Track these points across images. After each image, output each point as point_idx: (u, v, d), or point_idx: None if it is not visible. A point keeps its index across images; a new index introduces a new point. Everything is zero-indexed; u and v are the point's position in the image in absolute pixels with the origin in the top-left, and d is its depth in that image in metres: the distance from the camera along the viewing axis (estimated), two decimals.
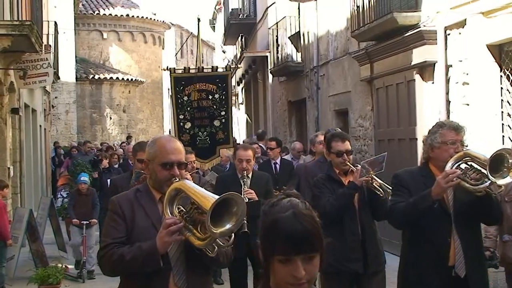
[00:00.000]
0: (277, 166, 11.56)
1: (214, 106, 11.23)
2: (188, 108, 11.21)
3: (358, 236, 6.43)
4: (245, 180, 7.74)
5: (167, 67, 11.63)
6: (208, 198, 3.66)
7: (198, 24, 12.51)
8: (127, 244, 4.00)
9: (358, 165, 6.48)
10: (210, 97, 11.22)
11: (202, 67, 11.72)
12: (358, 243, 6.42)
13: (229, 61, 37.52)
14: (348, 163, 6.60)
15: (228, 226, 3.60)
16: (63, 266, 10.94)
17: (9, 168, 14.17)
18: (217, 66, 11.90)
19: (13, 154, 15.14)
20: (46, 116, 25.40)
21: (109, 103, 34.60)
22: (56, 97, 30.11)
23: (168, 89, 50.17)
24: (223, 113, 11.27)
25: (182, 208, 3.92)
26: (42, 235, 13.53)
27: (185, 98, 11.22)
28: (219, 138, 11.30)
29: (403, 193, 5.28)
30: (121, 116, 35.21)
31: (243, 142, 18.25)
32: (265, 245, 2.50)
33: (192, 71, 11.73)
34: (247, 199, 7.15)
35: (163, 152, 4.14)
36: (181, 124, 11.25)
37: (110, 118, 34.74)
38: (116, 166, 16.20)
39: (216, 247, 3.79)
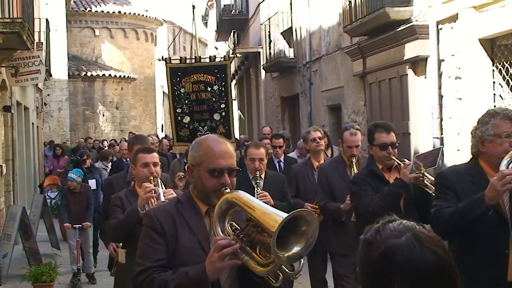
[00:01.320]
0: (281, 164, 10.43)
1: (214, 99, 10.47)
2: (186, 101, 10.47)
3: None
4: (258, 181, 6.95)
5: (162, 57, 10.85)
6: (270, 215, 3.06)
7: (193, 12, 12.07)
8: (169, 267, 3.40)
9: (406, 160, 5.94)
10: (209, 89, 10.46)
11: (200, 56, 10.92)
12: None
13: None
14: (394, 157, 5.94)
15: (296, 249, 3.03)
16: (57, 264, 10.93)
17: (1, 166, 14.14)
18: (215, 56, 11.10)
19: (5, 152, 15.11)
20: (38, 113, 25.36)
21: (102, 100, 34.55)
22: (48, 95, 30.04)
23: (161, 86, 49.98)
24: (222, 105, 10.52)
25: (236, 225, 3.28)
26: (35, 232, 13.52)
27: (182, 90, 10.44)
28: (220, 133, 10.15)
29: (448, 196, 4.55)
30: (114, 113, 35.17)
31: (240, 138, 17.49)
32: (374, 285, 1.93)
33: (189, 61, 10.95)
34: None
35: (210, 156, 3.50)
36: (179, 118, 10.49)
37: (103, 115, 34.70)
38: (109, 165, 16.04)
39: (281, 275, 3.16)
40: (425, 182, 5.61)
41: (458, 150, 9.86)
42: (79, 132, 32.41)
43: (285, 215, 2.96)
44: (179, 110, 10.51)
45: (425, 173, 5.65)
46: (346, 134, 7.40)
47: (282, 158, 10.56)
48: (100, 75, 34.07)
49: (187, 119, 10.49)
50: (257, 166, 7.05)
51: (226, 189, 3.39)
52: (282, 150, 10.69)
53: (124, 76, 35.44)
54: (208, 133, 10.00)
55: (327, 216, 7.46)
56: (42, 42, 18.90)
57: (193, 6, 12.01)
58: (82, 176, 12.25)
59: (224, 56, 11.45)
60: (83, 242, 11.66)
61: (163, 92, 49.01)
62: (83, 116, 34.06)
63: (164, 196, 5.49)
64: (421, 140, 11.58)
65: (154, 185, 5.68)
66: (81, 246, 11.63)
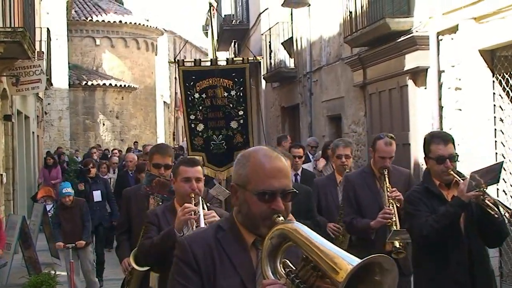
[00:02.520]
0: (298, 178, 9.22)
1: (231, 105, 9.64)
2: (200, 107, 9.63)
3: (465, 267, 5.06)
4: None
5: (175, 59, 10.01)
6: (336, 258, 2.36)
7: (210, 9, 11.26)
8: None
9: (465, 176, 5.24)
10: (226, 94, 9.62)
11: (216, 58, 10.10)
12: (466, 276, 5.06)
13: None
14: (452, 172, 5.23)
15: None
16: (56, 273, 10.92)
17: (1, 175, 14.14)
18: (232, 58, 10.57)
19: (5, 161, 15.12)
20: (39, 122, 25.38)
21: (102, 110, 34.58)
22: (49, 104, 30.11)
23: (162, 95, 49.96)
24: (241, 112, 9.64)
25: (290, 265, 2.63)
26: (35, 242, 13.51)
27: (196, 95, 9.58)
28: (237, 142, 9.63)
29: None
30: (114, 123, 35.19)
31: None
32: None
33: (204, 63, 10.08)
34: None
35: (260, 174, 2.81)
36: (192, 125, 9.65)
37: (103, 124, 34.72)
38: (113, 175, 15.85)
39: None
40: (487, 201, 4.88)
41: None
42: (79, 142, 32.43)
43: (355, 260, 2.32)
44: (192, 117, 9.72)
45: (486, 191, 4.94)
46: (379, 143, 6.62)
47: (299, 172, 9.37)
48: (101, 84, 34.11)
49: (201, 127, 9.72)
50: None
51: (279, 216, 2.73)
52: (301, 161, 9.64)
53: (125, 85, 35.49)
54: (223, 143, 9.58)
55: (353, 233, 6.89)
56: (43, 52, 18.96)
57: (210, 4, 11.33)
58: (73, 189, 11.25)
59: (243, 58, 10.54)
60: (81, 263, 10.85)
61: (164, 101, 49.05)
62: (84, 125, 34.07)
63: (204, 219, 4.77)
64: (422, 151, 11.53)
65: (195, 204, 4.94)
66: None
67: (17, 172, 16.68)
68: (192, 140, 9.65)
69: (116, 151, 24.11)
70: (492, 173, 5.10)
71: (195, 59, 10.34)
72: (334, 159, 7.85)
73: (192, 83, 9.64)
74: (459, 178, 5.17)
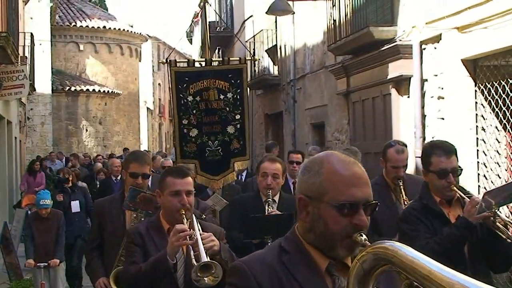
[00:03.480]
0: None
1: (227, 108, 8.87)
2: (194, 111, 8.81)
3: None
4: (269, 201, 5.84)
5: (166, 59, 9.16)
6: (454, 285, 1.85)
7: (205, 6, 10.23)
8: None
9: (471, 194, 4.78)
10: (222, 96, 8.85)
11: (211, 59, 9.22)
12: None
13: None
14: (455, 188, 4.69)
15: None
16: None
17: None
18: (228, 58, 9.42)
19: None
20: (21, 128, 25.25)
21: (85, 115, 34.46)
22: (31, 109, 29.95)
23: (145, 101, 49.77)
24: (237, 116, 8.89)
25: None
26: (17, 247, 13.41)
27: (190, 98, 8.80)
28: (233, 149, 8.87)
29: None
30: (97, 128, 35.08)
31: None
32: None
33: (198, 64, 9.32)
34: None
35: (338, 183, 2.35)
36: (185, 131, 8.82)
37: (86, 130, 34.60)
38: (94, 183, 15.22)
39: None
40: (497, 224, 4.39)
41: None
42: (62, 147, 32.27)
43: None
44: (185, 122, 8.84)
45: (498, 213, 4.46)
46: (390, 151, 6.08)
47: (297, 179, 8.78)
48: (84, 90, 34.00)
49: (194, 132, 8.84)
50: (270, 182, 5.90)
51: (361, 234, 2.28)
52: (299, 167, 8.85)
53: (108, 91, 35.40)
54: (219, 149, 8.77)
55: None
56: (26, 56, 18.91)
57: (206, 1, 10.33)
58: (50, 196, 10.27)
59: (240, 58, 9.62)
60: (52, 283, 9.93)
61: (147, 108, 48.97)
62: (66, 131, 33.93)
63: (203, 243, 4.12)
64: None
65: (189, 224, 4.31)
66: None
67: None
68: (182, 146, 8.82)
69: (100, 157, 24.00)
70: (505, 193, 4.59)
71: (188, 59, 9.65)
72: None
73: (185, 85, 8.82)
74: (463, 195, 4.64)
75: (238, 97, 8.87)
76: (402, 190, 5.92)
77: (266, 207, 5.76)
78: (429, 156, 4.75)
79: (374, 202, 2.37)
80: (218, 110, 8.82)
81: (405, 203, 5.67)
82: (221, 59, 9.62)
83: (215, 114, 8.84)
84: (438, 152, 4.71)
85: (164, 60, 9.14)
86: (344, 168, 2.38)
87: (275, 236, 4.50)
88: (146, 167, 5.78)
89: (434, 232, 4.58)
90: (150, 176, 6.12)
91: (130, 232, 4.62)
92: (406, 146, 6.18)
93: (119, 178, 12.54)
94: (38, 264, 9.63)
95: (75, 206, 11.73)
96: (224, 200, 7.92)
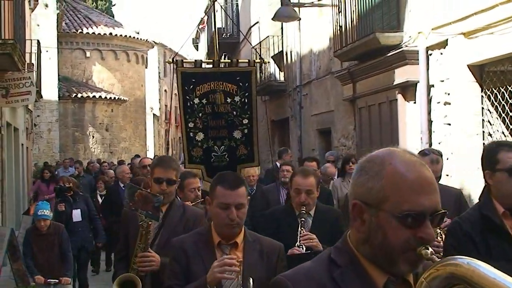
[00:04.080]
0: None
1: (234, 112, 8.44)
2: (200, 114, 8.37)
3: None
4: (303, 219, 5.30)
5: (173, 59, 8.67)
6: None
7: (214, 5, 9.86)
8: None
9: None
10: (229, 100, 8.42)
11: (219, 60, 8.84)
12: None
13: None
14: None
15: None
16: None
17: None
18: (237, 60, 8.99)
19: None
20: (28, 134, 25.30)
21: (92, 122, 34.51)
22: (38, 116, 30.03)
23: (151, 108, 49.72)
24: (245, 121, 8.50)
25: None
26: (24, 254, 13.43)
27: (196, 100, 8.35)
28: (240, 155, 8.47)
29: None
30: (104, 135, 35.12)
31: None
32: None
33: (205, 65, 8.91)
34: (303, 248, 5.14)
35: (403, 188, 2.03)
36: (191, 134, 8.36)
37: (93, 136, 34.64)
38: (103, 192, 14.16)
39: None
40: None
41: (447, 175, 9.90)
42: (68, 154, 32.31)
43: None
44: (191, 125, 8.40)
45: None
46: (424, 161, 5.03)
47: None
48: (91, 96, 34.05)
49: (200, 136, 8.42)
50: (303, 199, 5.42)
51: (427, 248, 1.98)
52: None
53: (115, 97, 35.45)
54: (225, 154, 8.39)
55: None
56: (33, 64, 18.96)
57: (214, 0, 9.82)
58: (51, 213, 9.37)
59: (249, 60, 9.19)
60: None
61: (153, 114, 49.03)
62: (73, 138, 33.98)
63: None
64: None
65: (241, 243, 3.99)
66: None
67: (6, 184, 16.61)
68: (190, 151, 8.39)
69: (106, 164, 23.93)
70: None
71: (195, 60, 8.99)
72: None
73: (191, 86, 8.37)
74: None
75: (246, 100, 8.48)
76: None
77: (299, 229, 5.16)
78: (495, 153, 4.06)
79: (442, 211, 2.07)
80: (225, 114, 8.38)
81: None
82: (229, 60, 9.05)
83: (221, 118, 8.40)
84: (506, 148, 4.05)
85: (170, 60, 8.65)
86: (410, 170, 2.05)
87: None
88: (171, 172, 5.39)
89: (487, 251, 3.73)
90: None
91: (175, 246, 4.15)
92: (441, 156, 5.63)
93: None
94: (48, 280, 9.00)
95: (77, 215, 11.20)
96: None
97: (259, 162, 8.72)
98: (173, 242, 4.20)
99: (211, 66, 8.66)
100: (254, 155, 8.48)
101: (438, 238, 4.80)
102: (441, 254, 4.29)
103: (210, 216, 4.47)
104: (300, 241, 5.02)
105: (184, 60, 9.09)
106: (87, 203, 11.52)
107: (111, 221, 11.99)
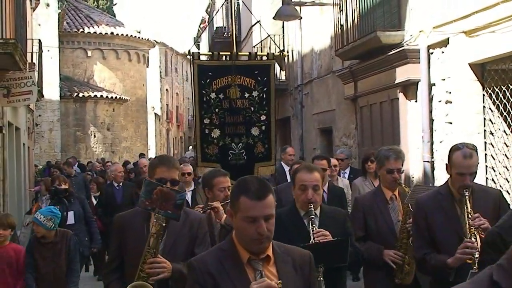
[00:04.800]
0: (324, 194, 7.62)
1: (252, 108, 8.03)
2: (217, 110, 7.90)
3: None
4: (312, 217, 4.80)
5: (189, 50, 8.16)
6: None
7: (231, 1, 9.57)
8: None
9: None
10: (247, 95, 8.00)
11: (237, 53, 8.34)
12: None
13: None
14: None
15: None
16: None
17: None
18: (256, 53, 8.62)
19: None
20: (29, 134, 25.30)
21: (93, 121, 34.52)
22: (40, 115, 30.04)
23: (153, 107, 49.66)
24: (263, 117, 8.10)
25: None
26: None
27: (213, 95, 7.89)
28: (258, 153, 8.04)
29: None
30: (105, 134, 35.13)
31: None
32: None
33: (223, 58, 8.40)
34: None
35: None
36: (206, 131, 7.90)
37: (94, 136, 34.66)
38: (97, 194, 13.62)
39: None
40: None
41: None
42: (69, 153, 32.32)
43: None
44: (207, 121, 7.94)
45: None
46: (457, 155, 4.99)
47: (325, 187, 7.93)
48: (92, 96, 34.07)
49: (216, 133, 7.96)
50: (310, 196, 4.86)
51: None
52: (326, 174, 8.23)
53: (116, 97, 35.45)
54: (243, 152, 7.96)
55: (426, 272, 5.36)
56: (34, 63, 18.94)
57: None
58: (58, 218, 7.84)
59: (268, 54, 8.72)
60: None
61: (155, 113, 49.03)
62: (74, 137, 34.00)
63: None
64: (412, 164, 11.62)
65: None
66: None
67: (7, 184, 16.61)
68: (203, 148, 7.89)
69: (109, 163, 23.81)
70: None
71: (213, 52, 8.46)
72: (382, 173, 6.08)
73: (208, 80, 7.93)
74: None
75: (264, 96, 8.14)
76: (468, 202, 4.87)
77: (310, 227, 4.73)
78: None
79: None
80: (242, 109, 8.01)
81: (469, 216, 4.80)
82: (247, 53, 8.57)
83: (239, 114, 8.02)
84: None
85: (187, 52, 8.21)
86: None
87: (329, 263, 4.20)
88: (175, 172, 4.97)
89: None
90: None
91: (197, 269, 3.43)
92: (476, 150, 5.09)
93: (121, 184, 12.41)
94: None
95: (70, 217, 10.31)
96: None
97: (275, 161, 8.38)
98: (194, 264, 3.47)
99: (229, 58, 8.30)
100: (271, 154, 8.15)
101: (472, 238, 4.72)
102: (476, 256, 4.51)
103: (210, 221, 4.09)
104: (314, 238, 4.61)
105: (200, 53, 8.69)
106: (83, 205, 10.73)
107: (105, 223, 11.43)
